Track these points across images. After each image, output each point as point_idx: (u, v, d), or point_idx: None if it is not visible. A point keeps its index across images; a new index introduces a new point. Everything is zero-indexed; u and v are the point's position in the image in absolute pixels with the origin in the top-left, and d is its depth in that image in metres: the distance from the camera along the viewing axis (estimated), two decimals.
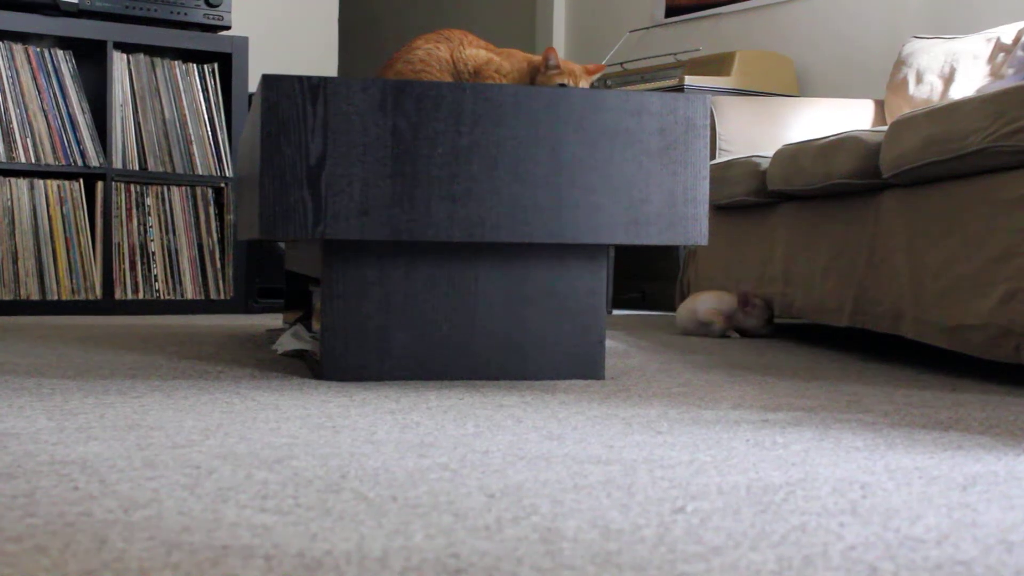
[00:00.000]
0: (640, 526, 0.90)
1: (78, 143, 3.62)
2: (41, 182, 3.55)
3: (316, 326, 2.29)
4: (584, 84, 2.14)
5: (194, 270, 3.77)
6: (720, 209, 3.28)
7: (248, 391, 1.70)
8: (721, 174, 3.17)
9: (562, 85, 2.10)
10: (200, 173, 3.79)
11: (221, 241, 3.82)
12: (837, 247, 2.55)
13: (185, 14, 3.79)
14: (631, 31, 4.98)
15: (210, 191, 3.82)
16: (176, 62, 3.82)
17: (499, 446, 1.26)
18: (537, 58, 2.15)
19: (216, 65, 3.88)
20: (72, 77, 3.66)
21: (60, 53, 3.66)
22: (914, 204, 2.21)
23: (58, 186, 3.57)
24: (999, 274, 1.90)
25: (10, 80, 3.56)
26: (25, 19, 3.55)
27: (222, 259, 3.82)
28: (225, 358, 2.18)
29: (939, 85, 3.28)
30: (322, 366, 1.86)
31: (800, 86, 4.27)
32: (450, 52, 2.12)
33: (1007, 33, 3.18)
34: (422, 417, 1.46)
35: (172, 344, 2.48)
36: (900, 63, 3.45)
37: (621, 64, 4.58)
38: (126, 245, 3.65)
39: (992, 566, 0.80)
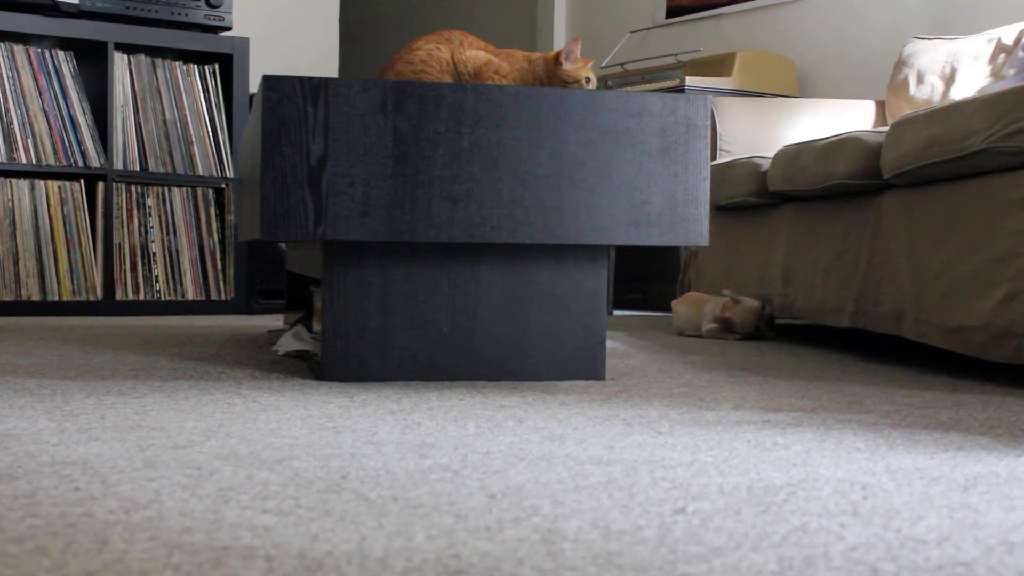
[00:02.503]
0: (641, 527, 0.90)
1: (79, 144, 3.62)
2: (42, 183, 3.55)
3: (317, 327, 2.29)
4: (593, 77, 2.15)
5: (195, 271, 3.77)
6: (721, 210, 3.28)
7: (249, 392, 1.70)
8: (722, 175, 3.17)
9: (587, 79, 2.11)
10: (201, 174, 3.79)
11: (222, 242, 3.82)
12: (838, 248, 2.55)
13: (186, 15, 3.79)
14: (632, 32, 4.98)
15: (211, 192, 3.82)
16: (177, 63, 3.82)
17: (500, 447, 1.26)
18: (537, 55, 2.15)
19: (217, 66, 3.88)
20: (73, 78, 3.66)
21: (61, 54, 3.66)
22: (915, 205, 2.21)
23: (59, 187, 3.57)
24: (1000, 275, 1.90)
25: (11, 81, 3.56)
26: (26, 20, 3.55)
27: (223, 260, 3.82)
28: (226, 359, 2.18)
29: (940, 86, 3.28)
30: (323, 367, 1.86)
31: (801, 87, 4.27)
32: (451, 53, 2.12)
33: (1008, 34, 3.18)
34: (423, 418, 1.46)
35: (173, 345, 2.48)
36: (901, 64, 3.45)
37: (622, 65, 4.58)
38: (127, 246, 3.66)
39: (993, 567, 0.80)
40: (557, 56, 2.11)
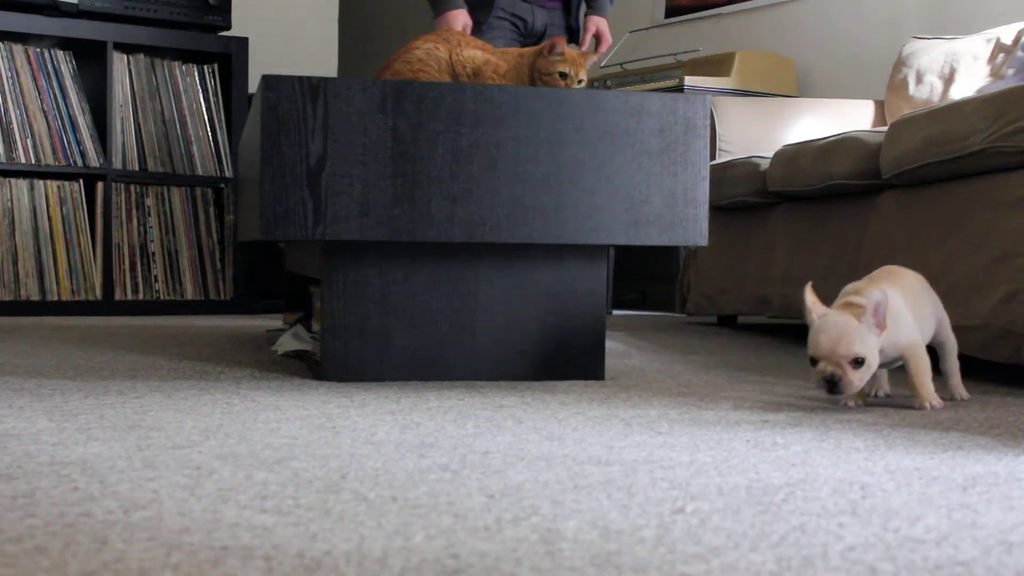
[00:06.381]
0: (640, 527, 0.90)
1: (78, 144, 3.62)
2: (41, 183, 3.55)
3: (316, 327, 2.29)
4: (583, 75, 2.11)
5: (194, 271, 3.76)
6: (720, 210, 3.28)
7: (248, 392, 1.70)
8: (721, 175, 3.17)
9: (563, 74, 2.08)
10: (200, 174, 3.79)
11: (221, 242, 3.82)
12: (837, 248, 2.55)
13: (185, 15, 3.78)
14: (631, 31, 4.97)
15: (210, 192, 3.82)
16: (176, 63, 3.82)
17: (499, 447, 1.26)
18: (529, 50, 2.14)
19: (216, 66, 3.87)
20: (72, 78, 3.66)
21: (60, 54, 3.66)
22: (914, 205, 2.21)
23: (58, 187, 3.57)
24: (999, 275, 1.90)
25: (10, 81, 3.56)
26: (25, 20, 3.55)
27: (222, 260, 3.82)
28: (225, 359, 2.18)
29: (939, 86, 3.28)
30: (322, 367, 1.86)
31: (800, 86, 4.27)
32: (448, 52, 2.12)
33: (1007, 34, 3.18)
34: (422, 418, 1.46)
35: (172, 345, 2.48)
36: (900, 63, 3.45)
37: (621, 64, 4.58)
38: (126, 246, 3.65)
39: (992, 567, 0.80)
40: (541, 50, 2.11)
